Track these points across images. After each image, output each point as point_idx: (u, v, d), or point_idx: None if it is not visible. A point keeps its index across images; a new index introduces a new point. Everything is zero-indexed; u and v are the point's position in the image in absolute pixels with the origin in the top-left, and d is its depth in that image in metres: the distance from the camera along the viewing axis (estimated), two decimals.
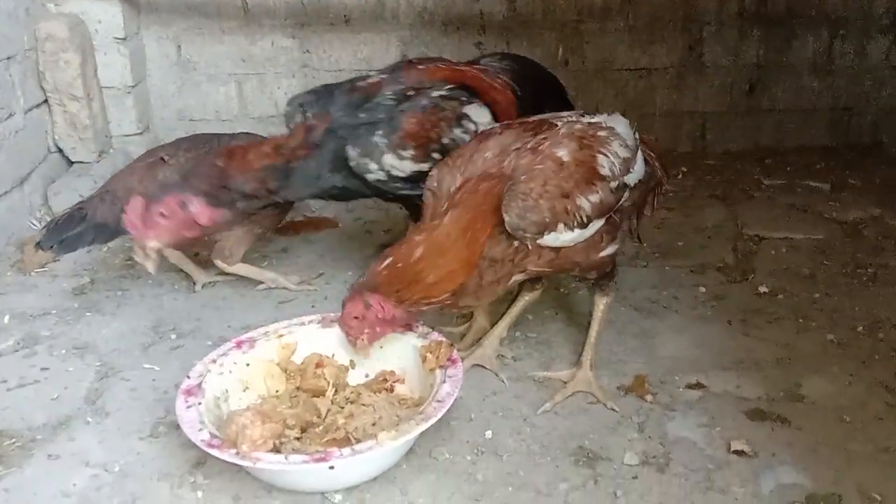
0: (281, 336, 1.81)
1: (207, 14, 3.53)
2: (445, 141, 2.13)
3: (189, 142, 2.36)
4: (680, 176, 3.46)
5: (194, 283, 2.47)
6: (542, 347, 2.14)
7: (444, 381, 1.63)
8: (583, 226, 1.73)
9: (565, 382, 1.94)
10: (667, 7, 3.58)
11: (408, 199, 2.22)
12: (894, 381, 1.98)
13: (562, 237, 1.72)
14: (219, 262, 2.35)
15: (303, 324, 1.85)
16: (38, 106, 3.08)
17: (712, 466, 1.67)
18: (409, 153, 2.09)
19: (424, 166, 2.07)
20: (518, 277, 1.81)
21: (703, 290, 2.43)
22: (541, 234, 1.69)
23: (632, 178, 1.86)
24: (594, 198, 1.73)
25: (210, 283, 2.47)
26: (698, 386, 1.95)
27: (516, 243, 1.71)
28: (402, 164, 2.10)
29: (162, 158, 2.29)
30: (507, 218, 1.67)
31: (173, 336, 2.20)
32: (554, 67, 3.64)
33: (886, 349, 2.12)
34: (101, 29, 3.28)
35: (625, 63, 3.69)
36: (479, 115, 2.19)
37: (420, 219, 1.85)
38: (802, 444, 1.74)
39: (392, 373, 1.78)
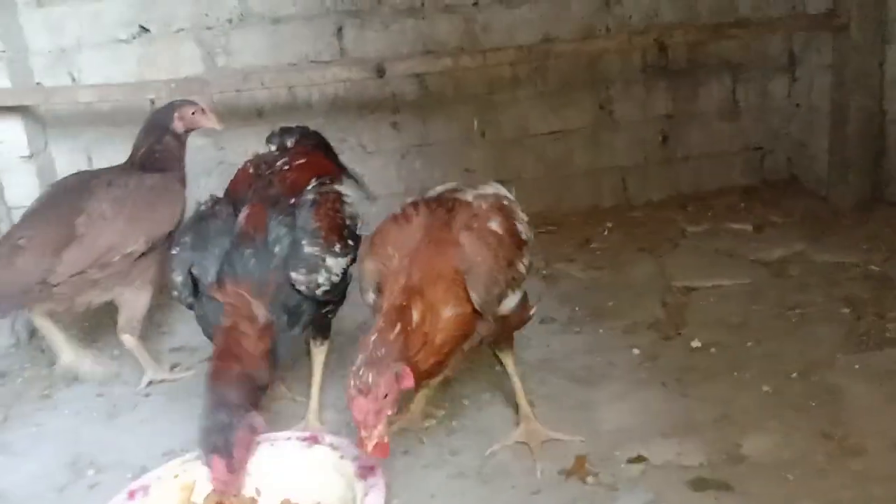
0: (177, 476, 1.71)
1: (117, 122, 3.47)
2: (347, 222, 2.10)
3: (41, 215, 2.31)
4: (606, 232, 3.49)
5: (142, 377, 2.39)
6: (481, 437, 2.07)
7: (367, 494, 1.55)
8: (519, 289, 1.86)
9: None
10: (573, 71, 3.65)
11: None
12: (832, 427, 1.96)
13: (508, 303, 1.83)
14: (126, 337, 2.31)
15: (197, 458, 1.75)
16: None
17: None
18: (336, 247, 2.00)
19: (347, 259, 2.03)
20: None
21: (636, 351, 2.41)
22: (500, 303, 1.78)
23: (532, 236, 1.99)
24: (525, 261, 1.88)
25: (159, 381, 2.38)
26: (640, 459, 1.90)
27: (475, 335, 1.77)
28: (337, 262, 1.99)
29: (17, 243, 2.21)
30: (474, 297, 1.72)
31: (91, 472, 2.07)
32: (471, 139, 3.72)
33: (822, 393, 2.12)
34: (5, 149, 3.19)
35: (540, 128, 3.74)
36: (346, 188, 2.23)
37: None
38: None
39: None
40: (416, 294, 1.67)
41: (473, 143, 3.74)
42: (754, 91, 3.85)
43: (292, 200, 2.02)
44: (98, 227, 2.21)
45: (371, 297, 1.79)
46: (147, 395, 2.44)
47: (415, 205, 1.90)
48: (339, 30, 3.52)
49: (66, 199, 2.33)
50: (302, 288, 1.91)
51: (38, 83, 3.37)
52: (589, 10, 3.60)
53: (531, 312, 2.00)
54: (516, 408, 2.13)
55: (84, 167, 3.49)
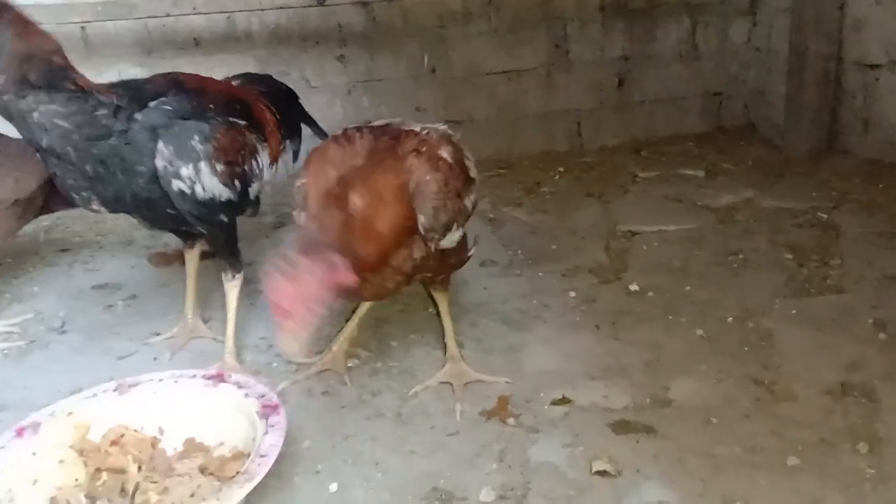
0: (71, 413, 1.61)
1: None
2: (243, 171, 1.95)
3: None
4: (556, 177, 3.40)
5: None
6: (405, 377, 2.00)
7: (267, 433, 1.47)
8: (462, 226, 1.77)
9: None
10: (528, 7, 3.51)
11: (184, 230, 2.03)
12: (763, 372, 1.92)
13: (453, 237, 1.74)
14: None
15: (95, 395, 1.65)
16: None
17: (573, 492, 1.56)
18: (220, 168, 1.86)
19: (223, 192, 1.88)
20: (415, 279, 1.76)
21: (573, 294, 2.34)
22: (444, 235, 1.69)
23: (478, 177, 1.88)
24: (472, 197, 1.80)
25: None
26: (564, 401, 1.84)
27: (416, 251, 1.65)
28: (209, 182, 1.84)
29: None
30: (421, 219, 1.62)
31: None
32: (421, 76, 3.57)
33: (756, 338, 2.07)
34: None
35: (493, 67, 3.61)
36: (264, 159, 2.07)
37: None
38: (668, 455, 1.65)
39: (199, 443, 1.60)
40: (356, 182, 1.56)
41: (423, 81, 3.59)
42: (714, 34, 3.75)
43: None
44: None
45: (302, 216, 1.66)
46: (63, 333, 2.32)
47: (358, 129, 1.78)
48: None
49: None
50: (159, 164, 1.78)
51: None
52: None
53: (469, 254, 1.91)
54: (445, 350, 2.06)
55: None
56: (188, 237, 2.21)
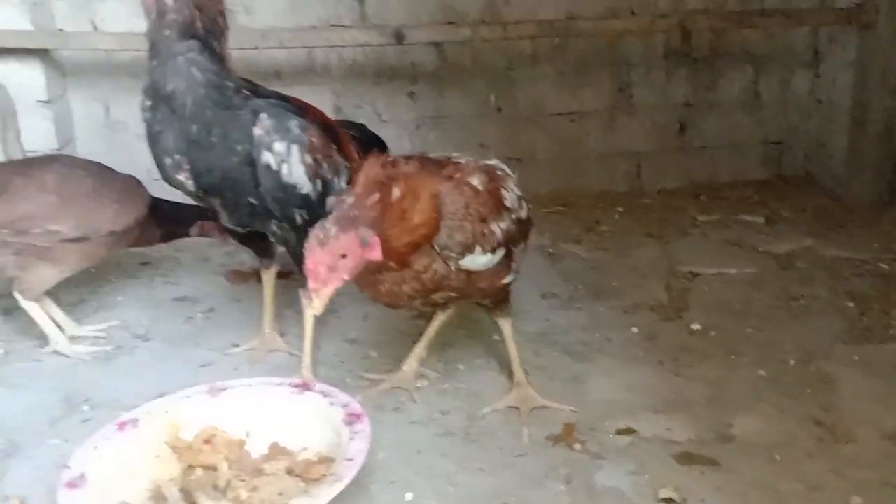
0: (166, 412, 1.72)
1: (135, 73, 3.46)
2: (324, 175, 2.06)
3: None
4: (616, 216, 3.48)
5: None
6: (472, 399, 2.08)
7: (352, 439, 1.56)
8: (493, 251, 1.83)
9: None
10: (594, 52, 3.62)
11: (262, 220, 2.08)
12: (824, 414, 1.95)
13: (478, 260, 1.81)
14: (17, 295, 2.24)
15: (189, 396, 1.76)
16: None
17: None
18: (308, 159, 1.99)
19: (304, 185, 1.99)
20: (434, 297, 1.86)
21: (635, 330, 2.41)
22: (463, 255, 1.76)
23: (523, 213, 1.98)
24: (503, 225, 1.86)
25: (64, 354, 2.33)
26: (628, 431, 1.90)
27: (436, 264, 1.75)
28: (296, 168, 1.95)
29: None
30: (436, 237, 1.71)
31: (85, 408, 2.09)
32: (486, 114, 3.70)
33: (817, 381, 2.11)
34: (23, 92, 3.21)
35: (556, 108, 3.72)
36: (343, 184, 2.15)
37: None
38: (732, 488, 1.69)
39: (283, 448, 1.70)
40: (399, 178, 1.69)
41: (489, 118, 3.72)
42: (776, 84, 3.81)
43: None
44: (29, 192, 2.16)
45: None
46: (147, 341, 2.46)
47: (407, 157, 1.89)
48: None
49: (20, 164, 2.35)
50: (257, 132, 1.91)
51: (59, 29, 3.38)
52: None
53: (504, 281, 1.95)
54: (510, 374, 2.14)
55: (101, 116, 3.53)
56: (265, 254, 2.33)
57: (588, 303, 2.62)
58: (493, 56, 3.60)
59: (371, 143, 2.50)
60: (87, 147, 3.53)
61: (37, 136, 3.27)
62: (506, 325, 2.06)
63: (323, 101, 3.60)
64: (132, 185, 2.34)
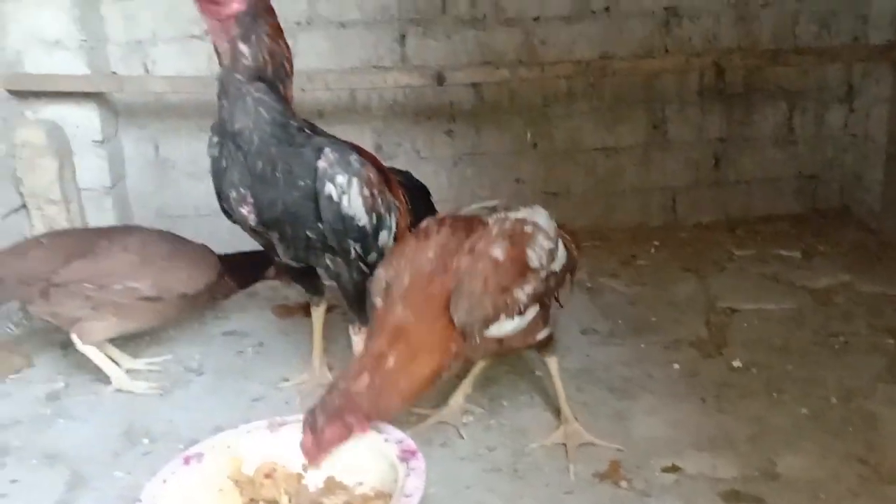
0: (228, 447, 1.79)
1: (185, 114, 3.62)
2: (379, 209, 2.14)
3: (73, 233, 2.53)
4: (652, 250, 3.52)
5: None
6: (517, 435, 2.13)
7: (409, 475, 1.62)
8: (521, 314, 1.87)
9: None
10: (629, 90, 3.69)
11: (317, 257, 2.16)
12: (868, 453, 1.97)
13: (504, 326, 1.85)
14: (74, 338, 2.36)
15: (249, 431, 1.83)
16: (15, 211, 3.12)
17: None
18: (367, 192, 2.08)
19: (361, 217, 2.07)
20: (471, 358, 1.95)
21: (676, 366, 2.44)
22: (486, 326, 1.81)
23: (556, 266, 2.01)
24: (528, 288, 1.88)
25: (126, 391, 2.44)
26: (674, 469, 1.94)
27: (462, 338, 1.81)
28: (355, 200, 2.04)
29: (38, 242, 2.42)
30: (456, 317, 1.77)
31: (145, 441, 2.18)
32: (522, 150, 3.78)
33: (859, 420, 2.13)
34: (79, 133, 3.35)
35: (592, 143, 3.79)
36: (394, 221, 2.25)
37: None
38: None
39: (339, 482, 1.76)
40: (399, 337, 1.75)
41: (525, 155, 3.80)
42: (810, 119, 3.84)
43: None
44: (113, 252, 2.33)
45: (377, 301, 1.88)
46: (200, 375, 2.55)
47: (441, 221, 1.97)
48: (402, 37, 3.62)
49: (105, 230, 2.52)
50: (321, 164, 2.00)
51: (113, 72, 3.54)
52: (648, 29, 3.64)
53: (539, 337, 2.00)
54: (554, 411, 2.19)
55: (151, 155, 3.66)
56: (315, 291, 2.42)
57: (629, 338, 2.66)
58: (529, 93, 3.68)
59: (416, 190, 2.60)
60: (138, 184, 3.68)
61: (91, 175, 3.42)
62: (552, 363, 2.12)
63: (364, 139, 3.71)
64: (204, 252, 2.48)
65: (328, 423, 1.68)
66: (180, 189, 3.70)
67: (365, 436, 1.76)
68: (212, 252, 2.51)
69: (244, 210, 2.03)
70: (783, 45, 3.66)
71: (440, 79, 3.20)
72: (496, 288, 1.81)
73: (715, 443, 2.04)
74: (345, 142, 2.17)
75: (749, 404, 2.21)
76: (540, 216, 2.04)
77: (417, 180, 2.69)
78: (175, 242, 2.48)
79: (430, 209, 2.70)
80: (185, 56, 3.58)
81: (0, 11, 3.15)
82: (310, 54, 3.60)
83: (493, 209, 2.07)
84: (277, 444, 1.82)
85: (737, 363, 2.44)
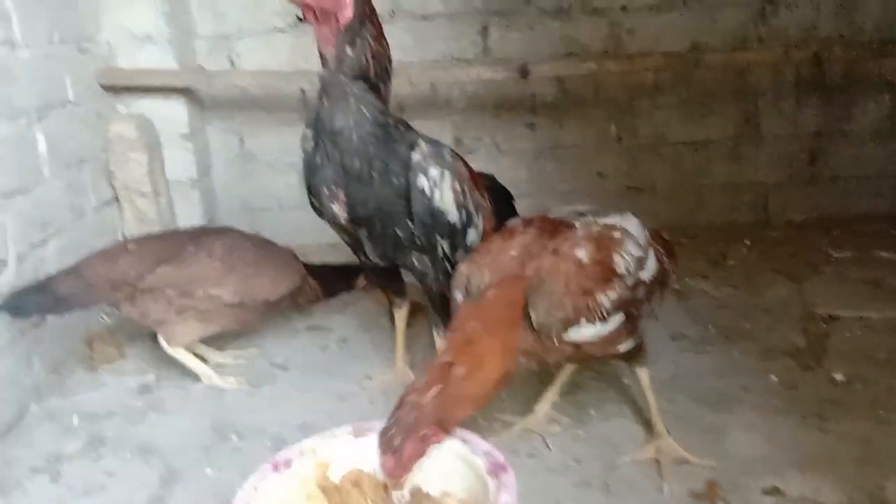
0: (315, 452, 1.79)
1: (267, 108, 3.66)
2: (468, 206, 2.13)
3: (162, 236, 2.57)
4: (743, 250, 3.39)
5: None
6: (606, 447, 2.07)
7: (500, 491, 1.58)
8: (603, 320, 1.81)
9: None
10: (720, 80, 3.55)
11: (404, 252, 2.16)
12: None
13: (583, 331, 1.80)
14: (162, 341, 2.41)
15: (335, 436, 1.82)
16: (107, 203, 3.21)
17: None
18: (458, 187, 2.09)
19: (451, 212, 2.08)
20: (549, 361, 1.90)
21: (774, 378, 2.34)
22: (565, 329, 1.77)
23: (646, 275, 1.94)
24: (613, 294, 1.83)
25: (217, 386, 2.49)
26: (775, 491, 1.85)
27: (539, 340, 1.78)
28: (447, 194, 2.06)
29: (126, 247, 2.45)
30: (534, 316, 1.74)
31: (234, 437, 2.21)
32: (605, 143, 3.68)
33: None
34: (168, 126, 3.42)
35: (679, 137, 3.66)
36: (482, 222, 2.24)
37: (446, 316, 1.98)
38: None
39: (426, 493, 1.73)
40: (468, 343, 1.72)
41: (608, 149, 3.70)
42: None
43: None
44: (199, 258, 2.36)
45: (458, 296, 1.87)
46: (286, 370, 2.58)
47: (528, 222, 1.94)
48: (485, 29, 3.57)
49: (194, 233, 2.54)
50: (415, 157, 2.01)
51: (200, 65, 3.59)
52: (742, 18, 3.49)
53: (622, 349, 1.94)
54: (643, 422, 2.12)
55: (235, 147, 3.72)
56: (398, 293, 2.41)
57: (720, 346, 2.56)
58: (614, 88, 3.58)
59: (500, 194, 2.58)
60: (223, 176, 3.74)
61: (179, 167, 3.48)
62: (643, 373, 2.05)
63: (444, 133, 3.68)
64: (288, 258, 2.50)
65: (405, 440, 1.65)
66: (263, 181, 3.75)
67: (445, 445, 1.73)
68: (296, 258, 2.53)
69: (335, 207, 2.04)
70: (888, 35, 3.44)
71: (524, 72, 3.14)
72: (578, 289, 1.77)
73: (818, 464, 1.94)
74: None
75: (854, 423, 2.10)
76: (631, 223, 1.98)
77: (502, 184, 2.65)
78: (261, 247, 2.50)
79: (512, 213, 2.67)
80: (268, 50, 3.61)
81: (94, 6, 3.23)
82: (392, 47, 3.53)
83: (583, 214, 2.00)
84: (363, 450, 1.80)
85: (839, 376, 2.32)
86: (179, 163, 3.48)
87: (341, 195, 2.02)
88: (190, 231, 2.57)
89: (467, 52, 3.58)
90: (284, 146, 3.66)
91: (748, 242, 3.42)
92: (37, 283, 2.35)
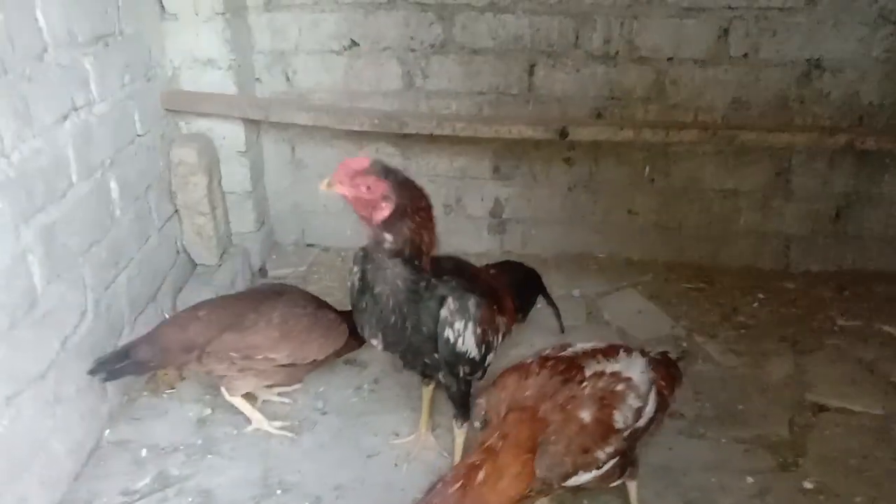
0: None
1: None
2: (488, 340, 2.39)
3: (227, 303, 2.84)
4: (755, 304, 3.59)
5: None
6: None
7: None
8: (599, 468, 2.08)
9: None
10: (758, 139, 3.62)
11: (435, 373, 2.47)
12: None
13: (581, 479, 2.07)
14: (223, 390, 2.78)
15: None
16: (169, 219, 3.48)
17: None
18: (479, 331, 2.35)
19: (472, 352, 2.34)
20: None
21: (750, 480, 2.61)
22: (564, 480, 2.04)
23: (642, 422, 2.17)
24: (609, 449, 2.08)
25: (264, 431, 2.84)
26: None
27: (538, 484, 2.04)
28: (469, 339, 2.32)
29: (197, 314, 2.74)
30: (538, 472, 2.00)
31: (279, 491, 2.58)
32: (639, 183, 3.83)
33: None
34: (226, 144, 3.65)
35: (711, 184, 3.80)
36: (500, 337, 2.50)
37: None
38: None
39: None
40: (491, 455, 1.97)
41: (640, 188, 3.86)
42: None
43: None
44: (259, 327, 2.67)
45: (477, 425, 2.17)
46: (324, 414, 2.94)
47: (543, 360, 2.17)
48: (531, 67, 3.67)
49: (255, 298, 2.81)
50: (443, 314, 2.28)
51: (257, 78, 3.77)
52: (787, 79, 3.53)
53: (614, 484, 2.20)
54: None
55: (287, 156, 3.95)
56: (426, 376, 2.72)
57: (712, 430, 2.81)
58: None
59: (527, 276, 2.81)
60: (275, 182, 4.00)
61: (234, 180, 3.75)
62: (631, 486, 2.32)
63: (483, 162, 3.87)
64: (337, 322, 2.78)
65: None
66: (312, 187, 3.95)
67: None
68: (344, 320, 2.82)
69: (374, 341, 2.35)
70: None
71: (564, 134, 3.28)
72: (578, 449, 2.03)
73: None
74: (465, 270, 2.39)
75: None
76: (635, 369, 2.20)
77: (528, 267, 2.88)
78: (314, 313, 2.78)
79: (540, 289, 2.92)
80: (323, 68, 3.77)
81: (160, 31, 3.39)
82: (440, 77, 3.72)
83: (592, 354, 2.23)
84: None
85: (808, 484, 2.58)
86: (235, 176, 3.73)
87: (379, 335, 2.33)
88: (251, 296, 2.86)
89: (513, 87, 3.70)
90: (332, 155, 3.88)
91: (761, 296, 3.62)
92: (119, 350, 2.70)
